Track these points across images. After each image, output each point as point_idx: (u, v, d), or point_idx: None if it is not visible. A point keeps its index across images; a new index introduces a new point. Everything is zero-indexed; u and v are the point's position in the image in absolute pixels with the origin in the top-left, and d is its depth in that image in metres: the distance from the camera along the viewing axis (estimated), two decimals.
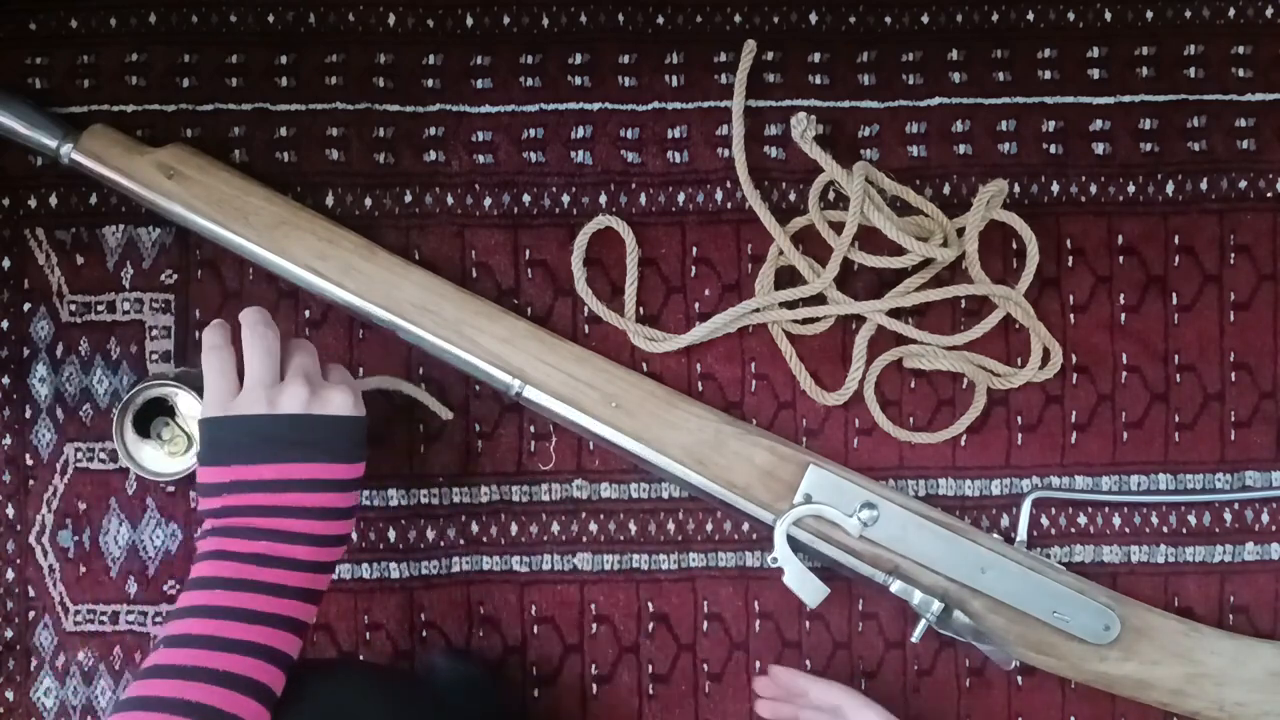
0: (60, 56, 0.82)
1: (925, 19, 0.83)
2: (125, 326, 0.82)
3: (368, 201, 0.82)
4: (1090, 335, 0.82)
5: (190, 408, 0.76)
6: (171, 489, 0.81)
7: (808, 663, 0.81)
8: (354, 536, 0.81)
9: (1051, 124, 0.82)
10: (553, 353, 0.77)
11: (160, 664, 0.57)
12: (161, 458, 0.76)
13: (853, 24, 0.83)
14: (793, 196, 0.82)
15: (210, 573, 0.60)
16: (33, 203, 0.82)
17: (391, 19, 0.83)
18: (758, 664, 0.81)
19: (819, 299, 0.81)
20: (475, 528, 0.82)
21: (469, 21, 0.83)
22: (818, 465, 0.76)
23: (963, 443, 0.81)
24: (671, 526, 0.82)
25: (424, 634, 0.82)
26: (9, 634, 0.81)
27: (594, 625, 0.82)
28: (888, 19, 0.83)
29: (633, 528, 0.82)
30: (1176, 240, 0.82)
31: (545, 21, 0.83)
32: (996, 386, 0.81)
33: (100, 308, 0.82)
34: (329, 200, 0.82)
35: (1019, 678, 0.81)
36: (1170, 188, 0.82)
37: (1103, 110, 0.83)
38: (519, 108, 0.82)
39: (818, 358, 0.82)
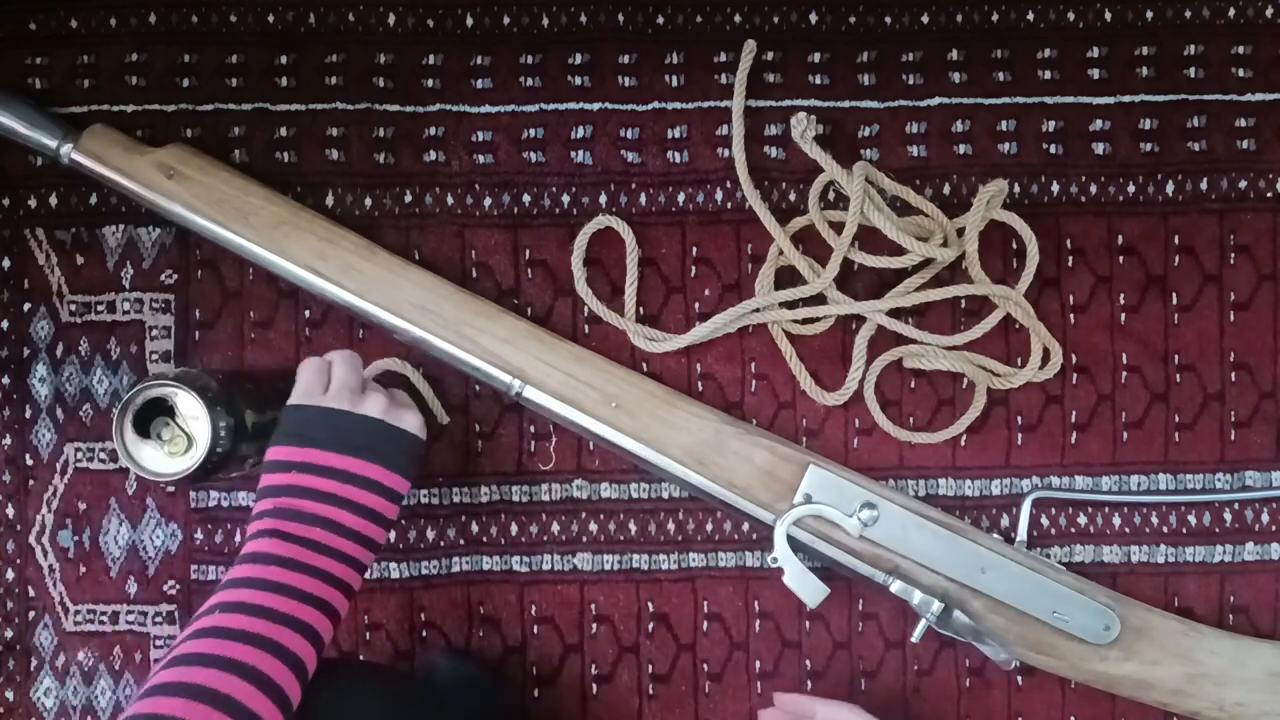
0: (60, 56, 0.82)
1: (925, 19, 0.83)
2: (125, 326, 0.82)
3: (368, 201, 0.82)
4: (1090, 335, 0.82)
5: (190, 408, 0.75)
6: (171, 489, 0.81)
7: (808, 663, 0.81)
8: None
9: (1051, 124, 0.82)
10: (553, 353, 0.77)
11: (213, 625, 0.59)
12: (161, 458, 0.76)
13: (853, 24, 0.83)
14: (793, 196, 0.82)
15: (265, 549, 0.63)
16: (33, 203, 0.82)
17: (391, 19, 0.83)
18: (758, 664, 0.81)
19: (819, 299, 0.81)
20: (475, 528, 0.82)
21: (469, 21, 0.83)
22: (818, 465, 0.76)
23: (963, 443, 0.81)
24: (671, 526, 0.82)
25: (424, 634, 0.82)
26: (9, 634, 0.81)
27: (594, 625, 0.82)
28: (888, 19, 0.83)
29: (633, 528, 0.82)
30: (1176, 240, 0.82)
31: (545, 21, 0.83)
32: (996, 386, 0.81)
33: (100, 308, 0.82)
34: (329, 200, 0.82)
35: (1019, 678, 0.81)
36: (1170, 188, 0.82)
37: (1103, 110, 0.83)
38: (519, 108, 0.82)
39: (818, 358, 0.82)
